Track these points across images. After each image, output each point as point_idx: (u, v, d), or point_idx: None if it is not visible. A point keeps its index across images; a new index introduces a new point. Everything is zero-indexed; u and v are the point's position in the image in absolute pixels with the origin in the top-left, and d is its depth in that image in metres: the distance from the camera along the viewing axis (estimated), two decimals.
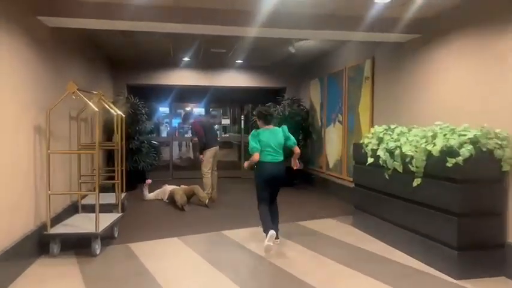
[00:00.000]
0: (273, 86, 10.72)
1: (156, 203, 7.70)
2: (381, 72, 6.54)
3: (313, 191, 8.89)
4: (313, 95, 9.54)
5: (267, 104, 9.68)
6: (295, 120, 9.28)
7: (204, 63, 10.00)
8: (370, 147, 5.24)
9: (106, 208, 5.74)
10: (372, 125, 6.71)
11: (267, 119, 5.01)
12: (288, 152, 5.22)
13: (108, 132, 8.17)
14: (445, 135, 4.10)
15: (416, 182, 4.35)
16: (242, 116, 11.38)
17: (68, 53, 5.92)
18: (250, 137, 4.95)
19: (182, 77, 10.29)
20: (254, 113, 5.13)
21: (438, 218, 4.13)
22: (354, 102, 7.32)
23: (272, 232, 4.51)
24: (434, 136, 4.19)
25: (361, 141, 5.64)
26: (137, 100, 9.09)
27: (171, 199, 7.52)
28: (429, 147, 4.10)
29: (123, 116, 6.98)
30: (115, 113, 5.79)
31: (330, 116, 8.47)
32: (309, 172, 9.74)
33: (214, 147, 7.59)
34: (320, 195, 8.37)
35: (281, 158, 4.99)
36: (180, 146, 14.07)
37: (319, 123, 9.13)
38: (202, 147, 7.59)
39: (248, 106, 11.82)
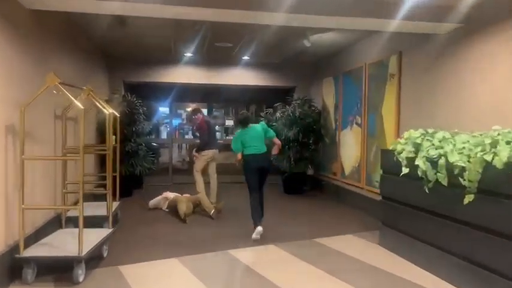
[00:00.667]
0: (281, 85, 9.94)
1: (154, 213, 6.92)
2: (410, 69, 5.77)
3: (326, 200, 8.12)
4: (326, 95, 8.77)
5: (276, 104, 9.00)
6: (307, 122, 8.52)
7: (208, 60, 9.23)
8: (404, 155, 4.47)
9: (95, 221, 4.98)
10: (398, 128, 5.95)
11: (244, 123, 5.71)
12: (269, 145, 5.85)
13: (103, 133, 7.37)
14: (508, 142, 3.33)
15: (468, 198, 3.57)
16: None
17: (53, 43, 5.15)
18: (232, 139, 5.80)
19: (184, 75, 9.52)
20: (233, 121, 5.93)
21: (495, 243, 3.37)
22: (376, 103, 6.55)
23: (260, 229, 5.30)
24: (493, 144, 3.42)
25: (391, 147, 4.87)
26: (134, 98, 8.33)
27: (172, 208, 6.76)
28: (488, 158, 3.34)
29: (117, 115, 6.24)
30: (107, 112, 5.02)
31: (346, 118, 7.70)
32: (320, 178, 8.97)
33: (213, 150, 6.89)
34: (334, 205, 7.60)
35: (264, 149, 5.65)
36: (180, 148, 13.32)
37: (333, 126, 8.36)
38: (201, 147, 6.89)
39: (253, 106, 11.07)
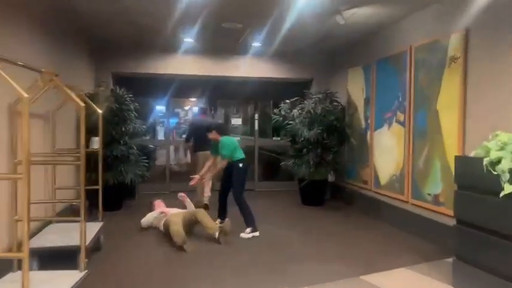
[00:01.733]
0: (296, 77, 8.56)
1: (150, 235, 5.52)
2: (482, 51, 4.41)
3: (355, 214, 6.76)
4: (353, 88, 7.40)
5: (292, 100, 7.63)
6: (329, 120, 7.15)
7: (212, 48, 7.85)
8: (503, 166, 3.11)
9: (67, 254, 3.60)
10: (464, 128, 4.58)
11: (225, 131, 6.03)
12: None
13: (89, 133, 5.90)
14: None
15: None
16: (256, 115, 9.22)
17: (16, 22, 3.77)
18: (223, 146, 5.57)
19: (183, 65, 8.14)
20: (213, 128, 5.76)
21: None
22: (428, 96, 5.19)
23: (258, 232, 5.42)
24: None
25: (474, 154, 3.50)
26: (124, 93, 6.93)
27: (167, 229, 5.30)
28: None
29: (99, 111, 4.87)
30: (81, 105, 3.62)
31: (381, 115, 6.33)
32: (343, 186, 7.61)
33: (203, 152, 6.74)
34: (368, 222, 6.22)
35: None
36: (177, 150, 11.84)
37: (362, 125, 6.99)
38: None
39: (264, 102, 9.70)
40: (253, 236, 5.32)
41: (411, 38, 5.60)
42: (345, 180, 7.60)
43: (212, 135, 5.70)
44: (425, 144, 5.23)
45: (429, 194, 5.14)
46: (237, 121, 10.42)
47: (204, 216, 5.26)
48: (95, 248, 4.43)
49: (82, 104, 3.55)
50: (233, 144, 5.63)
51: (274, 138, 9.32)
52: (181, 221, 5.12)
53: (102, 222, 4.75)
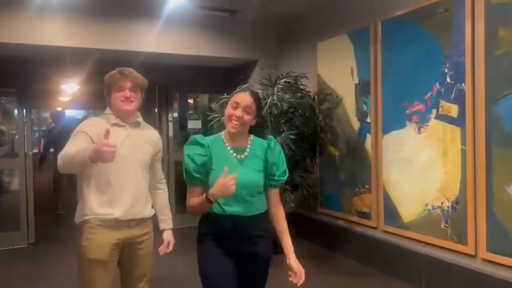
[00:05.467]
0: (230, 56, 5.66)
1: None
2: None
3: (344, 265, 4.25)
4: (329, 71, 4.86)
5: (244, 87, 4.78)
6: (302, 119, 4.53)
7: (101, 5, 4.68)
8: None
9: None
10: None
11: None
12: None
13: None
14: None
15: None
16: (169, 114, 6.18)
17: None
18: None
19: (48, 32, 4.73)
20: None
21: None
22: None
23: None
24: None
25: None
26: None
27: None
28: None
29: None
30: None
31: (399, 108, 3.87)
32: (319, 220, 5.03)
33: None
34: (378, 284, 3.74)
35: None
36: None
37: (353, 125, 4.47)
38: None
39: (176, 95, 6.69)
40: None
41: None
42: (317, 210, 5.03)
43: None
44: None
45: None
46: None
47: None
48: None
49: None
50: None
51: None
52: None
53: None
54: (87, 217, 2.23)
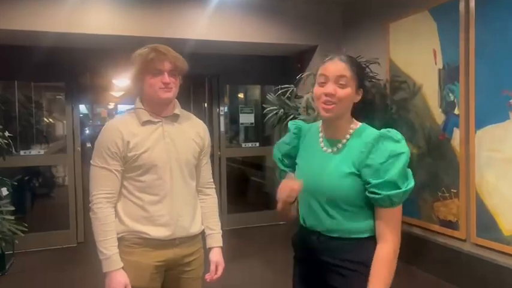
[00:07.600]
0: (286, 42, 5.10)
1: None
2: None
3: (425, 285, 3.61)
4: (403, 55, 4.20)
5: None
6: (368, 112, 3.93)
7: None
8: None
9: None
10: None
11: None
12: None
13: None
14: None
15: None
16: (220, 108, 5.76)
17: None
18: None
19: (90, 20, 4.41)
20: None
21: None
22: None
23: None
24: None
25: None
26: None
27: None
28: None
29: None
30: None
31: (500, 98, 3.17)
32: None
33: None
34: None
35: None
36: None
37: (436, 118, 3.80)
38: None
39: (227, 87, 6.23)
40: None
41: None
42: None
43: None
44: None
45: None
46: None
47: None
48: None
49: None
50: None
51: (245, 144, 5.90)
52: None
53: None
54: (123, 234, 1.80)
